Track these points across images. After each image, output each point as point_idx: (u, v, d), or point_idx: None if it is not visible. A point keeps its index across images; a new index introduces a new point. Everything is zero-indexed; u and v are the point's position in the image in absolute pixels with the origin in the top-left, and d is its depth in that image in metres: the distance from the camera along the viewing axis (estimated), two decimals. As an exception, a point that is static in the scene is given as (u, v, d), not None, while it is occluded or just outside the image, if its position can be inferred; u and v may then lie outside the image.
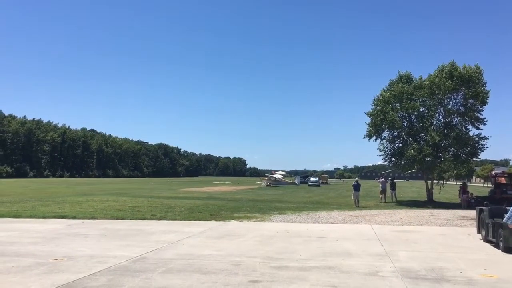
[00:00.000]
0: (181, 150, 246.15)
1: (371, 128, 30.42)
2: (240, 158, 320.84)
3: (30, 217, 17.86)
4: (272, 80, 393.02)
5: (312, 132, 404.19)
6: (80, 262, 8.90)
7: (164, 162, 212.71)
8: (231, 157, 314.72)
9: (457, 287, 7.31)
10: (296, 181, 77.66)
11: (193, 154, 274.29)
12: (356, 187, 27.32)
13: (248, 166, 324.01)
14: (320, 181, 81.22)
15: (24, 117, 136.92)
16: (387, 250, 10.69)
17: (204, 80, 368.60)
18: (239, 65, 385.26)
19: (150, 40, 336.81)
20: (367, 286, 7.30)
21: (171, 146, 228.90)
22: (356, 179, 31.68)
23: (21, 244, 11.05)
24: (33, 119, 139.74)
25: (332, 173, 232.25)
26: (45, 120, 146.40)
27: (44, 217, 17.68)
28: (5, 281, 7.34)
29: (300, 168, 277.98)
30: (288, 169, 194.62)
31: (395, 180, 33.72)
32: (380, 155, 31.69)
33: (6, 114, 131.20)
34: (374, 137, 30.70)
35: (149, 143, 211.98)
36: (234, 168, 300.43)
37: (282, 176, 79.51)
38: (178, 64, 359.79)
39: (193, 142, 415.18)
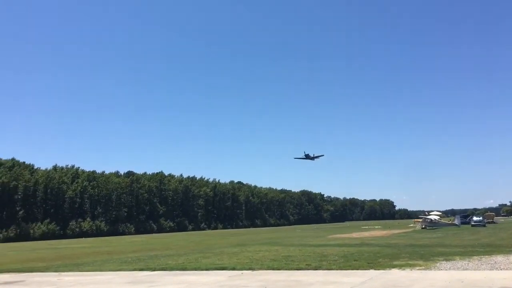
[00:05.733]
0: (325, 196, 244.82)
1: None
2: (387, 200, 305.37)
3: (195, 269, 18.92)
4: (413, 110, 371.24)
5: (467, 165, 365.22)
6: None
7: (308, 209, 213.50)
8: (377, 199, 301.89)
9: None
10: (456, 221, 70.32)
11: (337, 198, 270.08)
12: None
13: (397, 208, 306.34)
14: (485, 220, 73.15)
15: (181, 175, 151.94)
16: None
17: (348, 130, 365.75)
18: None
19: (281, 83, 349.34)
20: None
21: (314, 192, 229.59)
22: None
23: (190, 297, 11.56)
24: (188, 176, 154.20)
25: (497, 210, 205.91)
26: (198, 176, 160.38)
27: (206, 269, 18.59)
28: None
29: (457, 207, 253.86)
30: (442, 209, 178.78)
31: None
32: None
33: (166, 174, 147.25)
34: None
35: (293, 190, 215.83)
36: (382, 211, 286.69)
37: (438, 217, 73.19)
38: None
39: (335, 187, 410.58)
